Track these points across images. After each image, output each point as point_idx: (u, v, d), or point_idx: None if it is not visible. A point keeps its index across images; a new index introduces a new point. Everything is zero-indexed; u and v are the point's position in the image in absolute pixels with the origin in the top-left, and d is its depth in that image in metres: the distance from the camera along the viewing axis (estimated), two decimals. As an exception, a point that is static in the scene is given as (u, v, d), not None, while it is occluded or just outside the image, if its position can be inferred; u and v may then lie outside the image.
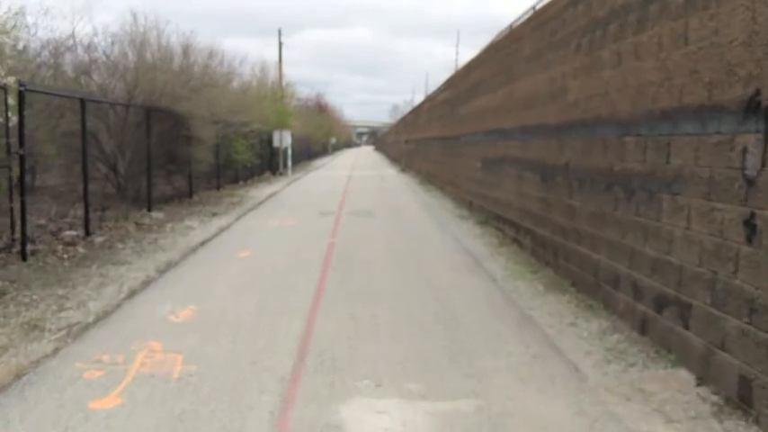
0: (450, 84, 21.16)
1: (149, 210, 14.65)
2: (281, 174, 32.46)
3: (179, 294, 7.62)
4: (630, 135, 6.39)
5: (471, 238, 11.53)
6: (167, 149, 17.34)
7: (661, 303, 5.49)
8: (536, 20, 10.61)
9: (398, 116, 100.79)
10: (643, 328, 5.80)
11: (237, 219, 14.68)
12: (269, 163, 32.53)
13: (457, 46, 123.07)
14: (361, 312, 6.59)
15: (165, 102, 16.17)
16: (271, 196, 20.27)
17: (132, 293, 7.79)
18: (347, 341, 5.72)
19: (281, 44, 45.78)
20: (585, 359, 5.31)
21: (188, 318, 6.65)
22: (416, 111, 36.43)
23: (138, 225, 13.11)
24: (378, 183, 26.83)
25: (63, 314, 6.91)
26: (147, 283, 8.32)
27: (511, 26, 14.12)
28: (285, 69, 43.46)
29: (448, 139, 20.30)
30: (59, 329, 6.39)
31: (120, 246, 10.96)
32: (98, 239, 11.19)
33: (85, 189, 11.37)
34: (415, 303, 7.02)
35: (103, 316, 6.84)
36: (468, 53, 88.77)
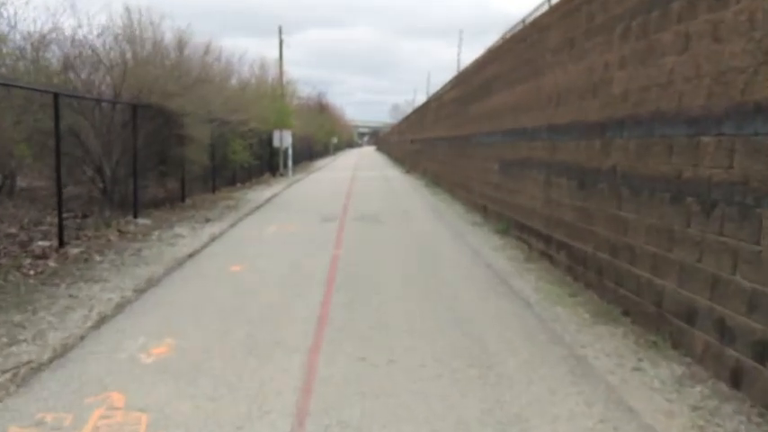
0: (459, 81, 19.92)
1: (135, 216, 13.43)
2: (281, 175, 31.24)
3: (156, 323, 6.40)
4: (708, 135, 5.16)
5: (491, 249, 10.29)
6: (158, 150, 16.12)
7: (766, 351, 4.26)
8: (566, 6, 9.39)
9: (400, 116, 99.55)
10: (736, 379, 4.56)
11: (232, 225, 13.45)
12: (269, 163, 31.31)
13: (459, 45, 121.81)
14: (373, 354, 5.35)
15: (156, 99, 14.94)
16: (270, 199, 19.04)
17: (102, 321, 6.58)
18: (358, 398, 4.48)
19: (281, 41, 44.58)
20: (670, 425, 4.07)
21: (162, 357, 5.42)
22: (421, 110, 35.20)
23: (122, 233, 11.88)
24: (382, 185, 25.58)
25: (13, 349, 5.71)
26: (121, 307, 7.10)
27: (523, 20, 12.93)
28: (286, 68, 42.33)
29: (457, 140, 19.07)
30: (3, 372, 5.17)
31: (97, 258, 9.74)
32: (73, 251, 9.96)
33: (59, 194, 10.15)
34: (439, 340, 5.78)
35: (62, 352, 5.62)
36: (469, 53, 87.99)
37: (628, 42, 6.97)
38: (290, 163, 32.47)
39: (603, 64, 7.63)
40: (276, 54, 43.22)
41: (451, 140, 20.46)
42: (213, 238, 11.73)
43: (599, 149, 7.54)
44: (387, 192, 21.52)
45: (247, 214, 15.24)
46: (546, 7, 12.51)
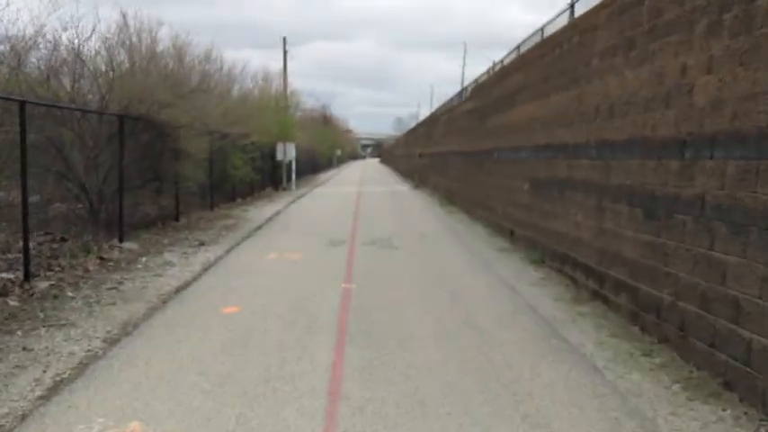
0: (476, 92, 18.54)
1: (121, 239, 12.00)
2: (284, 189, 29.84)
3: (121, 395, 4.95)
4: None
5: (529, 285, 8.82)
6: (150, 165, 14.74)
7: None
8: (619, 2, 7.99)
9: (404, 129, 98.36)
10: None
11: (229, 250, 12.00)
12: (271, 177, 29.95)
13: (464, 58, 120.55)
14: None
15: (147, 109, 13.57)
16: (272, 218, 17.60)
17: (55, 388, 5.16)
18: None
19: (285, 52, 43.37)
20: None
21: (119, 460, 3.96)
22: (430, 123, 33.86)
23: (103, 261, 10.45)
24: (391, 201, 24.12)
25: None
26: (83, 367, 5.68)
27: (542, 29, 11.58)
28: (290, 80, 41.02)
29: (474, 155, 17.65)
30: None
31: (69, 294, 8.32)
32: (41, 285, 8.52)
33: (24, 217, 8.74)
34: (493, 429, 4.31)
35: (-12, 445, 4.18)
36: (471, 67, 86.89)
37: (718, 40, 5.56)
38: (293, 177, 31.10)
39: (680, 68, 6.21)
40: (279, 66, 42.01)
41: (467, 155, 19.05)
42: (206, 268, 10.29)
43: (676, 172, 6.11)
44: (397, 210, 20.05)
45: (246, 236, 13.80)
46: (565, 16, 11.17)
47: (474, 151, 17.81)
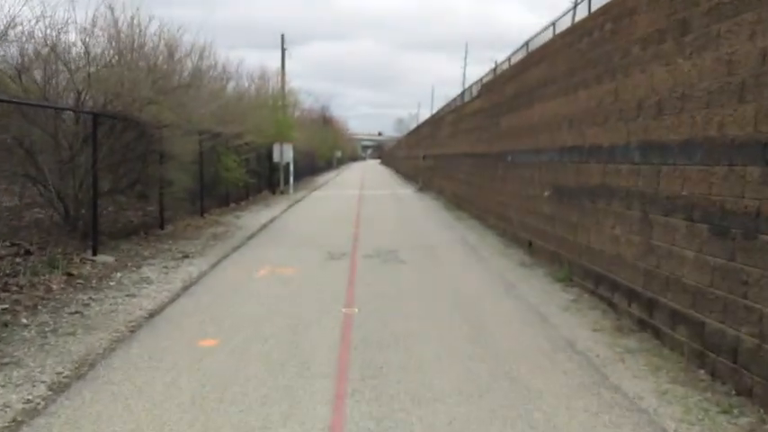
0: (487, 89, 17.31)
1: (95, 251, 10.75)
2: (281, 193, 28.59)
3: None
4: None
5: (560, 310, 7.57)
6: (132, 168, 13.51)
7: None
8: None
9: (404, 130, 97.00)
10: None
11: (214, 264, 10.77)
12: (268, 180, 28.71)
13: (465, 58, 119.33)
14: None
15: (128, 106, 12.35)
16: (266, 225, 16.35)
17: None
18: None
19: (283, 50, 42.14)
20: None
21: None
22: (435, 123, 32.62)
23: (71, 277, 9.22)
24: (395, 206, 22.82)
25: None
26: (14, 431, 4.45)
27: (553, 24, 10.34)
28: (288, 80, 39.74)
29: (485, 157, 16.42)
30: None
31: (23, 321, 7.12)
32: (-10, 310, 7.29)
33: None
34: None
35: None
36: (472, 68, 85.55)
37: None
38: (291, 180, 29.86)
39: (759, 53, 4.98)
40: (278, 65, 40.75)
41: (477, 158, 17.81)
42: (186, 287, 9.05)
43: (758, 181, 4.87)
44: (402, 216, 18.76)
45: (236, 247, 12.55)
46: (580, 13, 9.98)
47: (484, 153, 16.58)
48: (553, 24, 14.98)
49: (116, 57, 12.75)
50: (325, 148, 63.40)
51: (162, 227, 14.20)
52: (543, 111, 11.16)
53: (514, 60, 15.30)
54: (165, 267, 10.39)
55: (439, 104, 44.17)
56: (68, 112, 12.19)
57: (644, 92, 7.11)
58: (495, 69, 18.43)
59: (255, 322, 7.10)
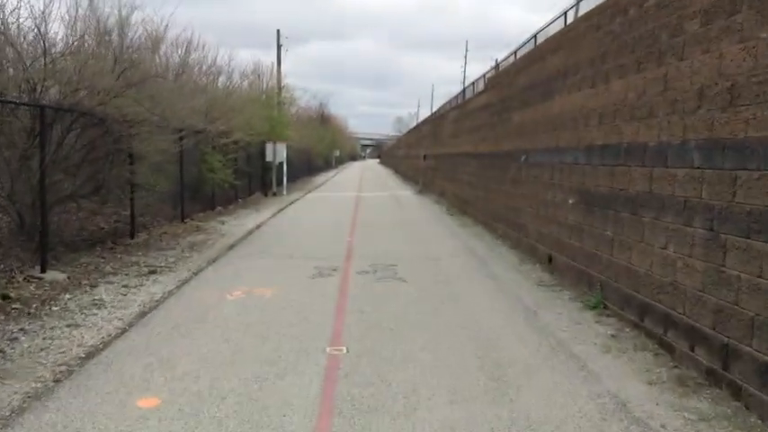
0: (494, 83, 15.78)
1: (44, 267, 9.22)
2: (274, 194, 27.04)
3: None
4: None
5: (601, 351, 6.03)
6: (99, 169, 11.97)
7: None
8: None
9: (404, 128, 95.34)
10: None
11: (184, 282, 9.25)
12: (261, 180, 27.17)
13: (465, 56, 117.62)
14: None
15: (89, 100, 10.83)
16: (251, 232, 14.81)
17: None
18: None
19: (279, 46, 40.59)
20: None
21: None
22: (436, 120, 31.10)
23: (5, 301, 7.71)
24: (394, 210, 21.24)
25: None
26: None
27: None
28: (285, 79, 38.09)
29: (494, 157, 14.89)
30: None
31: None
32: None
33: None
34: None
35: None
36: (473, 67, 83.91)
37: None
38: (284, 180, 28.32)
39: None
40: (274, 62, 39.15)
41: (483, 158, 16.27)
42: (144, 312, 7.54)
43: None
44: (402, 221, 17.16)
45: (213, 260, 11.02)
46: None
47: (492, 153, 15.05)
48: (565, 13, 13.59)
49: (76, 44, 11.20)
50: (322, 147, 61.84)
51: (133, 235, 12.68)
52: (564, 104, 9.65)
53: (521, 53, 13.82)
54: (126, 287, 8.89)
55: (439, 103, 42.76)
56: (23, 107, 10.67)
57: (707, 78, 5.60)
58: (498, 66, 16.97)
59: (215, 368, 5.57)
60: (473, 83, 22.10)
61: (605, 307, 7.35)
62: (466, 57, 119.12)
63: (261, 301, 8.00)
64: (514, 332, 6.68)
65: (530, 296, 8.22)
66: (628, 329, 6.59)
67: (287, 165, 28.99)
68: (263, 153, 26.65)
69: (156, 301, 8.12)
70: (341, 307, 7.70)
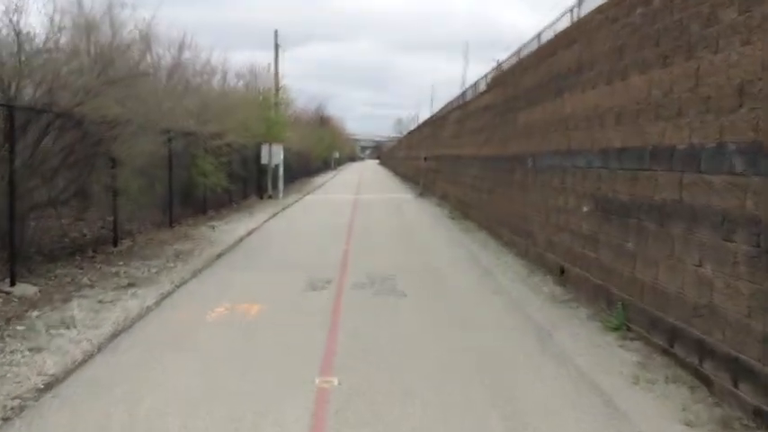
0: (499, 82, 15.05)
1: (13, 280, 8.49)
2: (269, 197, 26.31)
3: None
4: None
5: (627, 383, 5.29)
6: (79, 173, 11.25)
7: None
8: None
9: (403, 130, 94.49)
10: None
11: (164, 296, 8.52)
12: (257, 183, 26.44)
13: (466, 58, 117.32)
14: None
15: (67, 100, 10.11)
16: (243, 239, 14.08)
17: None
18: None
19: (276, 46, 39.84)
20: None
21: None
22: (437, 121, 30.38)
23: (-36, 321, 6.98)
24: (393, 214, 20.46)
25: None
26: None
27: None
28: (284, 81, 37.26)
29: (499, 160, 14.17)
30: None
31: None
32: None
33: None
34: None
35: None
36: (472, 69, 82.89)
37: None
38: (280, 184, 27.58)
39: None
40: (271, 62, 38.37)
41: (487, 160, 15.55)
42: (116, 333, 6.82)
43: None
44: (401, 227, 16.38)
45: (198, 271, 10.29)
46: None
47: (497, 155, 14.33)
48: (571, 10, 12.98)
49: (53, 39, 10.47)
50: (321, 149, 61.12)
51: (116, 243, 11.95)
52: (577, 103, 8.93)
53: (526, 51, 13.12)
54: (101, 302, 8.16)
55: (439, 105, 42.02)
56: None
57: (749, 71, 4.87)
58: (500, 65, 16.26)
59: (186, 406, 4.84)
60: (474, 83, 21.39)
61: (628, 329, 6.61)
62: (467, 58, 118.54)
63: (244, 320, 7.26)
64: (528, 359, 5.94)
65: (542, 314, 7.48)
66: (656, 356, 5.86)
67: (284, 167, 28.26)
68: (259, 155, 25.94)
69: (132, 319, 7.39)
70: (333, 328, 6.97)
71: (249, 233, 14.97)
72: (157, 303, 8.13)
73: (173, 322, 7.27)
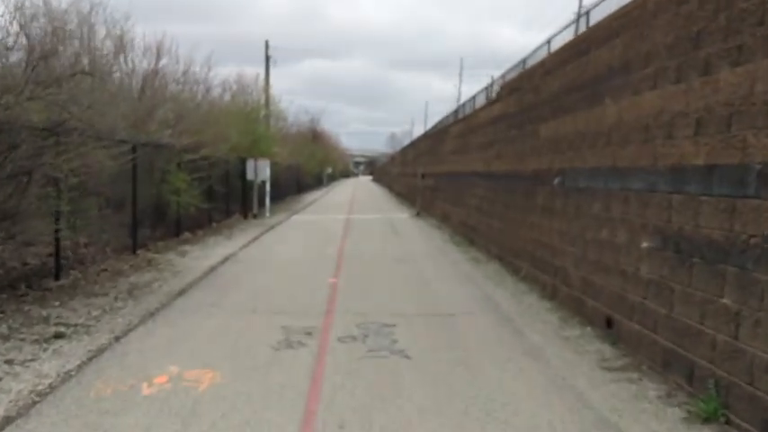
0: (511, 89, 13.19)
1: None
2: (255, 216, 24.31)
3: None
4: None
5: None
6: (10, 194, 9.28)
7: None
8: None
9: (397, 145, 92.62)
10: None
11: (95, 354, 6.52)
12: (242, 201, 24.45)
13: (460, 74, 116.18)
14: None
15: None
16: (214, 269, 12.06)
17: None
18: None
19: (267, 57, 38.19)
20: None
21: None
22: (435, 136, 28.55)
23: None
24: (389, 239, 18.39)
25: None
26: None
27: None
28: (277, 93, 35.54)
29: (513, 178, 12.26)
30: None
31: None
32: None
33: None
34: None
35: None
36: (467, 87, 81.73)
37: None
38: (266, 201, 25.61)
39: None
40: (263, 76, 36.57)
41: (499, 178, 13.64)
42: (10, 418, 4.83)
43: None
44: (399, 256, 14.30)
45: (151, 313, 8.28)
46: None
47: (512, 173, 12.43)
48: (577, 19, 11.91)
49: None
50: (313, 164, 59.18)
51: (58, 276, 9.95)
52: (625, 109, 7.05)
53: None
54: (9, 362, 6.22)
55: (433, 121, 40.30)
56: None
57: None
58: (504, 76, 14.49)
59: None
60: (473, 96, 19.58)
61: (728, 421, 4.67)
62: (461, 75, 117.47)
63: (189, 400, 5.26)
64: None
65: (596, 392, 5.49)
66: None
67: (272, 183, 26.31)
68: (244, 171, 24.02)
69: (39, 393, 5.41)
70: (309, 414, 4.98)
71: (224, 260, 12.97)
72: (82, 366, 6.13)
73: (91, 399, 5.27)
